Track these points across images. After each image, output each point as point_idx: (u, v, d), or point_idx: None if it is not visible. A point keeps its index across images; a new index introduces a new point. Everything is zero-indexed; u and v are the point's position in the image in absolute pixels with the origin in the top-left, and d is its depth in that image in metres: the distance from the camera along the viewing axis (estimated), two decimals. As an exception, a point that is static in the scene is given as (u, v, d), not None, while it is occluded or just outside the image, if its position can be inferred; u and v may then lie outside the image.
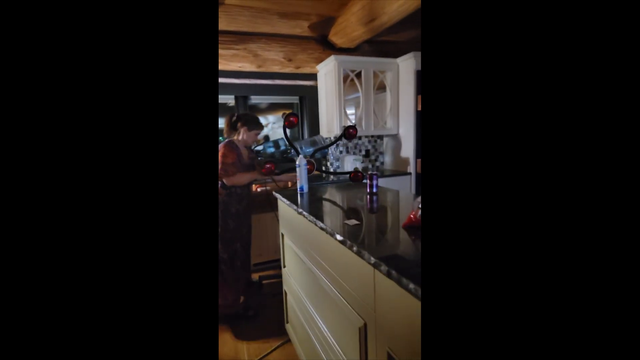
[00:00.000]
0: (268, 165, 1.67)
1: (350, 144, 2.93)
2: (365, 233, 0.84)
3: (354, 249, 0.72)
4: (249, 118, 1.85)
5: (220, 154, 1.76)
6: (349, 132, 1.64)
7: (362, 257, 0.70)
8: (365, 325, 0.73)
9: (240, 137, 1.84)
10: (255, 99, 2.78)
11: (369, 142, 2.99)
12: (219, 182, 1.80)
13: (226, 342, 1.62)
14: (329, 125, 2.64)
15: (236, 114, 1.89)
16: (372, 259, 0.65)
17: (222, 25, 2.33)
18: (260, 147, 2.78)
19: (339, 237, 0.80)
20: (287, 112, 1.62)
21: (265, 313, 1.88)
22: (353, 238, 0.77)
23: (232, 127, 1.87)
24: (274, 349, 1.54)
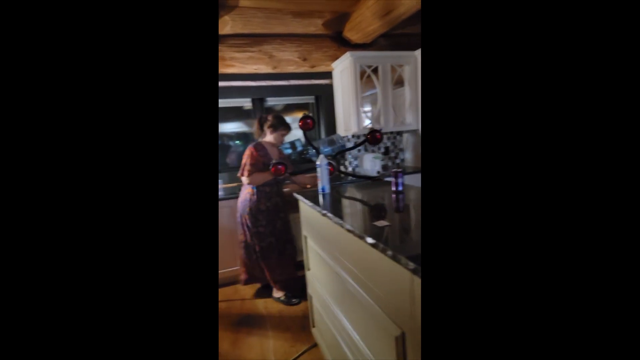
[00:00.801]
0: (280, 167, 1.64)
1: (368, 142, 2.86)
2: (397, 235, 0.79)
3: (389, 252, 0.68)
4: (274, 119, 1.92)
5: (245, 155, 1.86)
6: (374, 137, 1.54)
7: (398, 261, 0.65)
8: (403, 334, 0.69)
9: (267, 139, 1.91)
10: (271, 101, 2.78)
11: (388, 139, 2.92)
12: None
13: (253, 346, 1.61)
14: (346, 123, 2.60)
15: (263, 116, 1.97)
16: (410, 264, 0.60)
17: (237, 28, 2.34)
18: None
19: (370, 240, 0.76)
20: (306, 113, 1.61)
21: (292, 315, 1.86)
22: (385, 241, 0.73)
23: (261, 129, 1.96)
24: (302, 353, 1.51)
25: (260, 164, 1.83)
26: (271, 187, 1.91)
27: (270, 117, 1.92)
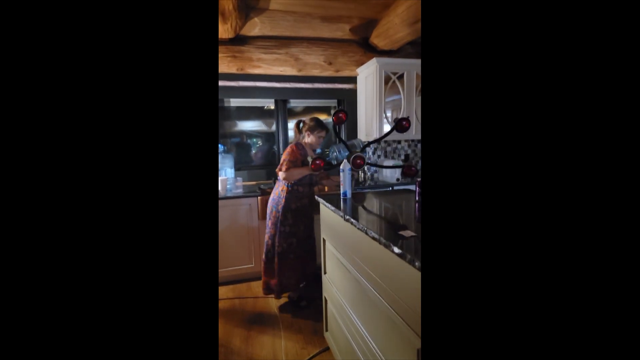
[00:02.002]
0: (317, 162, 1.66)
1: (389, 149, 2.85)
2: (423, 246, 0.78)
3: (416, 264, 0.68)
4: (311, 121, 1.97)
5: (285, 152, 1.93)
6: (402, 125, 1.55)
7: (426, 273, 0.65)
8: (426, 347, 0.68)
9: (306, 141, 1.98)
10: (293, 102, 2.81)
11: (409, 146, 2.89)
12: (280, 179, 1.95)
13: (264, 344, 1.62)
14: (368, 129, 2.59)
15: (301, 120, 2.03)
16: (440, 277, 0.60)
17: (266, 30, 2.38)
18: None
19: (397, 250, 0.76)
20: (339, 108, 1.61)
21: (304, 317, 1.87)
22: (413, 252, 0.73)
23: (300, 132, 2.02)
24: (313, 356, 1.52)
25: (299, 162, 1.90)
26: (304, 187, 1.94)
27: (307, 120, 1.97)
